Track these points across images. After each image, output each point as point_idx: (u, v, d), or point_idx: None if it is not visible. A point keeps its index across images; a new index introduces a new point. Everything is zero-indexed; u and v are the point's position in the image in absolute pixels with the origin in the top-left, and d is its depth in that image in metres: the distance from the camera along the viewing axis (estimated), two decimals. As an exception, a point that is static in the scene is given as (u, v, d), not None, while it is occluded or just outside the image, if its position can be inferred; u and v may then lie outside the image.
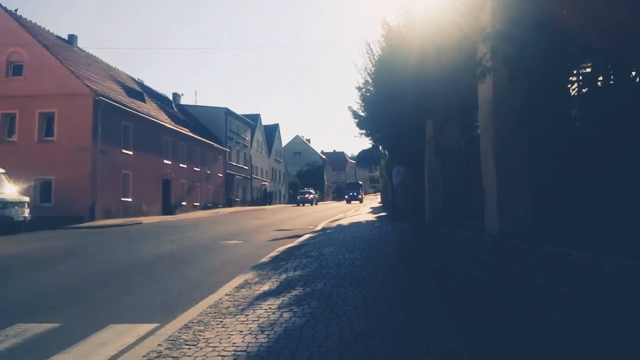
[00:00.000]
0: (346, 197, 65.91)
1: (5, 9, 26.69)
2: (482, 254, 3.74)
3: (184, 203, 36.66)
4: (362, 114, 20.35)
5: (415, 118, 9.02)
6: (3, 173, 18.73)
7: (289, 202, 70.76)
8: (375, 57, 12.30)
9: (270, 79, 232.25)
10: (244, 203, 54.03)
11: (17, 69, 26.29)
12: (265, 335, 4.42)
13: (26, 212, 18.46)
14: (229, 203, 48.06)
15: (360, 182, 77.23)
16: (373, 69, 12.94)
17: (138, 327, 5.15)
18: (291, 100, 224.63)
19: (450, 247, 5.45)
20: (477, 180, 4.88)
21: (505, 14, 3.20)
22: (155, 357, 3.98)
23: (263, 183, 65.47)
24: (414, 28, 8.04)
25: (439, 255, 6.79)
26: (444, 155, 7.62)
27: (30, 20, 28.72)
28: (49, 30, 30.50)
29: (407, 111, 9.11)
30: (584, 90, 3.36)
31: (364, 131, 21.11)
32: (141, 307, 6.23)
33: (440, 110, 7.34)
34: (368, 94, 17.87)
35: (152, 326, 5.13)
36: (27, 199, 18.82)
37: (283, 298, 5.88)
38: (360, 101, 19.30)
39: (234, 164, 51.93)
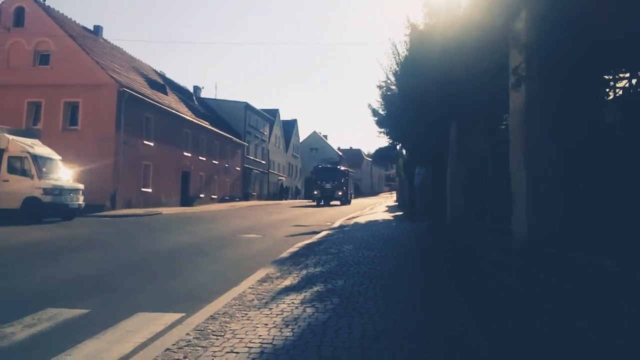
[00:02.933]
0: (315, 193, 40.84)
1: (34, -1, 27.19)
2: (508, 258, 3.79)
3: (202, 195, 37.02)
4: (382, 113, 20.39)
5: (438, 119, 9.05)
6: (59, 160, 19.11)
7: (305, 198, 70.94)
8: (400, 57, 12.32)
9: (290, 74, 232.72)
10: (260, 197, 54.34)
11: (44, 59, 26.79)
12: (290, 329, 4.53)
13: (81, 199, 18.83)
14: (246, 197, 48.38)
15: (345, 169, 46.18)
16: (397, 68, 12.96)
17: (165, 316, 5.30)
18: (309, 97, 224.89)
19: (473, 249, 5.50)
20: (503, 184, 4.93)
21: (541, 24, 3.25)
22: (185, 345, 4.11)
23: (280, 178, 65.71)
24: (437, 29, 8.07)
25: (459, 256, 6.84)
26: (467, 157, 7.65)
27: (58, 11, 29.22)
28: (75, 21, 30.98)
29: (431, 112, 9.13)
30: (618, 97, 3.40)
31: (383, 129, 21.17)
32: (166, 297, 6.39)
33: (465, 113, 7.36)
34: (389, 93, 17.91)
35: (178, 316, 5.27)
36: (81, 186, 19.17)
37: (305, 294, 5.98)
38: (380, 99, 19.35)
39: (251, 158, 52.23)
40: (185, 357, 3.83)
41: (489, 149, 6.61)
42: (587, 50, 3.22)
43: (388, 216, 22.37)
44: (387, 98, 18.08)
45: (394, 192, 60.10)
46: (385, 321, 4.82)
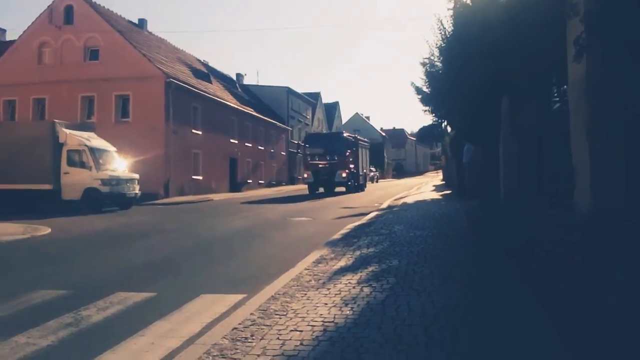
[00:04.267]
0: (306, 176, 28.33)
1: (82, -4, 28.11)
2: (572, 233, 3.73)
3: (249, 181, 37.71)
4: (426, 90, 20.05)
5: (488, 94, 8.84)
6: (115, 151, 19.99)
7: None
8: (446, 32, 12.04)
9: (331, 56, 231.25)
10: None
11: (94, 54, 27.77)
12: (350, 308, 4.62)
13: (137, 188, 19.63)
14: (292, 181, 48.88)
15: (351, 136, 31.20)
16: (443, 44, 12.69)
17: (228, 297, 5.52)
18: (350, 78, 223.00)
19: (532, 225, 5.41)
20: (561, 158, 4.81)
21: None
22: (250, 324, 4.29)
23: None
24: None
25: (517, 233, 6.74)
26: (520, 132, 7.47)
27: (104, 6, 30.11)
28: (120, 15, 31.86)
29: (480, 87, 8.93)
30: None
31: (427, 107, 20.83)
32: (227, 279, 6.64)
33: (517, 87, 7.17)
34: (433, 70, 17.57)
35: (240, 297, 5.48)
36: (137, 175, 19.97)
37: (360, 274, 6.06)
38: (424, 77, 19.01)
39: (296, 142, 52.62)
40: (252, 336, 3.99)
41: (544, 122, 6.43)
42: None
43: (436, 195, 22.13)
44: (432, 75, 17.76)
45: (440, 170, 57.72)
46: (444, 299, 4.85)
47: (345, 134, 29.48)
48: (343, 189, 28.07)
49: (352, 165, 28.27)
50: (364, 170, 33.28)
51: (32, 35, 27.97)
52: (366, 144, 35.28)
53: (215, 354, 3.65)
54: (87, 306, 5.31)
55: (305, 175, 28.25)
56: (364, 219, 12.56)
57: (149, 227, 13.17)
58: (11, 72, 27.50)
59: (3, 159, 17.50)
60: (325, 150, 27.31)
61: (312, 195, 26.47)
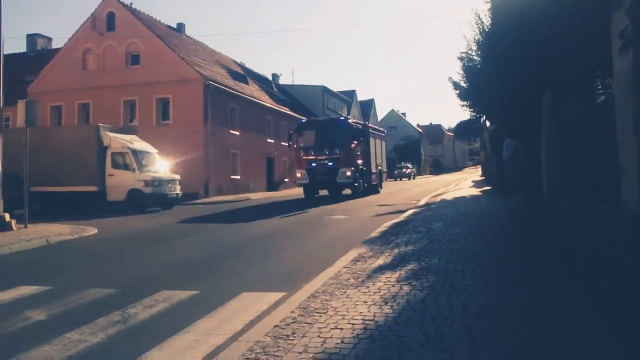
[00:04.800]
0: (299, 176, 22.16)
1: (122, 3, 29.00)
2: (619, 229, 3.62)
3: (286, 180, 37.99)
4: (464, 85, 19.71)
5: (529, 88, 8.62)
6: (156, 153, 20.62)
7: (387, 177, 70.46)
8: (484, 26, 11.81)
9: (364, 54, 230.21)
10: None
11: (135, 59, 28.60)
12: (390, 307, 4.62)
13: (178, 189, 20.19)
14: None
15: (356, 122, 24.54)
16: (481, 38, 12.45)
17: (268, 295, 5.61)
18: (385, 75, 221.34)
19: (577, 222, 5.26)
20: (607, 152, 4.66)
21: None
22: (291, 322, 4.35)
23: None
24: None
25: (561, 230, 6.56)
26: (564, 126, 7.25)
27: (144, 12, 30.94)
28: (159, 20, 32.66)
29: (520, 81, 8.72)
30: None
31: (465, 102, 20.46)
32: (266, 277, 6.74)
33: (560, 80, 6.97)
34: (471, 64, 17.26)
35: (280, 295, 5.56)
36: (178, 176, 20.54)
37: (400, 272, 6.04)
38: (462, 72, 18.71)
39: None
40: (293, 333, 4.05)
41: (587, 116, 6.23)
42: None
43: (475, 192, 21.73)
44: (469, 69, 17.45)
45: (479, 166, 56.20)
46: (486, 298, 4.78)
47: (350, 120, 23.20)
48: (349, 191, 22.00)
49: (360, 161, 22.04)
50: (379, 167, 25.85)
51: (76, 43, 29.03)
52: (381, 133, 28.04)
53: (258, 350, 3.72)
54: (134, 304, 5.50)
55: (299, 175, 21.73)
56: (401, 217, 12.47)
57: (191, 227, 13.49)
58: (58, 78, 28.65)
59: (51, 163, 18.24)
60: (323, 141, 21.20)
61: (310, 199, 21.43)
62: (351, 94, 62.67)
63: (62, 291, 6.24)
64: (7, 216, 12.50)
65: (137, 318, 5.04)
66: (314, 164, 21.12)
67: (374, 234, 9.61)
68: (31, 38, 36.76)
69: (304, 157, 21.41)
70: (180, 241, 10.76)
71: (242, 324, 4.62)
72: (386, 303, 4.74)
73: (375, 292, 5.15)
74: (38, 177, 16.26)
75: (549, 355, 3.47)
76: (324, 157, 20.91)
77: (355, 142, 21.51)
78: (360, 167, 21.84)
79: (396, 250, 7.53)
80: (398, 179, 54.20)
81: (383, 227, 10.56)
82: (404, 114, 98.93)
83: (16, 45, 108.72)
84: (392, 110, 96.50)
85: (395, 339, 3.78)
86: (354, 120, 23.92)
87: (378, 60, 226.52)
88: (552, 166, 7.66)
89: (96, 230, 12.49)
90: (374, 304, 4.74)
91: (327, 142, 21.06)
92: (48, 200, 18.37)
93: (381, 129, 29.90)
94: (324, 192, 23.36)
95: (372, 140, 24.52)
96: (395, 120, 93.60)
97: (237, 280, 6.58)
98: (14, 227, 12.38)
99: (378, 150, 26.04)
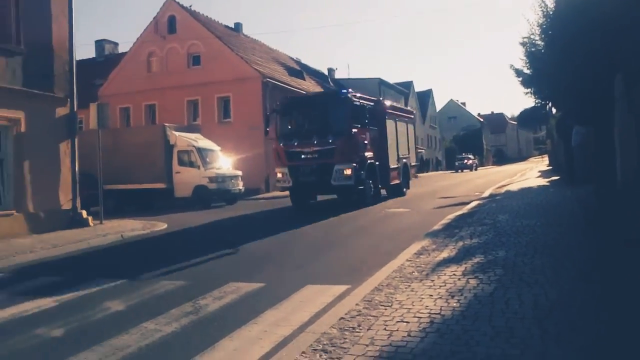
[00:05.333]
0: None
1: (182, 6, 30.00)
2: None
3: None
4: (527, 72, 18.91)
5: (598, 73, 8.17)
6: (219, 150, 21.36)
7: (447, 169, 69.02)
8: (548, 8, 11.27)
9: (420, 44, 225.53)
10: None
11: (196, 60, 29.56)
12: (456, 300, 4.55)
13: (240, 184, 20.83)
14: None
15: (370, 99, 17.03)
16: (545, 22, 11.89)
17: (332, 288, 5.67)
18: (443, 65, 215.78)
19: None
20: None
21: None
22: (357, 314, 4.38)
23: (419, 150, 64.56)
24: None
25: (636, 221, 6.19)
26: (637, 112, 6.82)
27: (203, 14, 31.85)
28: (217, 21, 33.52)
29: (588, 66, 8.27)
30: None
31: (529, 89, 19.62)
32: (329, 270, 6.82)
33: (632, 64, 6.55)
34: (534, 49, 16.52)
35: (344, 287, 5.61)
36: (240, 172, 21.19)
37: (465, 265, 5.92)
38: (524, 58, 17.94)
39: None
40: (359, 326, 4.08)
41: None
42: None
43: (542, 182, 20.86)
44: (533, 55, 16.69)
45: (545, 155, 53.48)
46: (558, 292, 4.60)
47: (350, 94, 15.51)
48: (355, 193, 15.04)
49: (368, 153, 15.48)
50: (403, 160, 18.93)
51: (140, 47, 30.36)
52: (406, 114, 20.77)
53: (325, 342, 3.78)
54: (204, 296, 5.73)
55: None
56: (465, 209, 12.20)
57: (253, 220, 13.81)
58: (125, 81, 30.12)
59: (122, 162, 19.22)
60: (311, 126, 15.24)
61: (299, 209, 16.02)
62: (408, 85, 61.74)
63: (137, 283, 6.60)
64: (84, 213, 13.33)
65: (207, 309, 5.24)
66: (298, 160, 14.88)
67: (437, 226, 9.47)
68: (99, 44, 38.80)
69: (285, 150, 15.08)
70: (244, 235, 11.02)
71: (308, 316, 4.70)
72: (452, 297, 4.67)
73: (440, 286, 5.08)
74: (111, 176, 17.17)
75: (626, 353, 3.30)
76: (311, 149, 14.62)
77: (358, 126, 14.90)
78: (368, 161, 15.36)
79: (461, 243, 7.38)
80: (459, 171, 52.89)
81: (446, 219, 10.37)
82: (463, 103, 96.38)
83: (86, 51, 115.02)
84: (451, 100, 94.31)
85: (464, 332, 3.73)
86: (357, 95, 15.96)
87: (434, 50, 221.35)
88: (627, 154, 7.22)
89: (166, 225, 13.05)
90: (440, 297, 4.68)
91: (316, 127, 14.95)
92: (121, 197, 19.39)
93: (408, 108, 22.32)
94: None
95: (390, 123, 17.86)
96: (454, 110, 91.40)
97: (301, 273, 6.69)
98: (91, 223, 13.18)
99: (401, 138, 19.11)
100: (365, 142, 15.37)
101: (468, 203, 13.68)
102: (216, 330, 4.53)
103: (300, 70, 37.15)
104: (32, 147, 12.04)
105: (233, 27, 35.40)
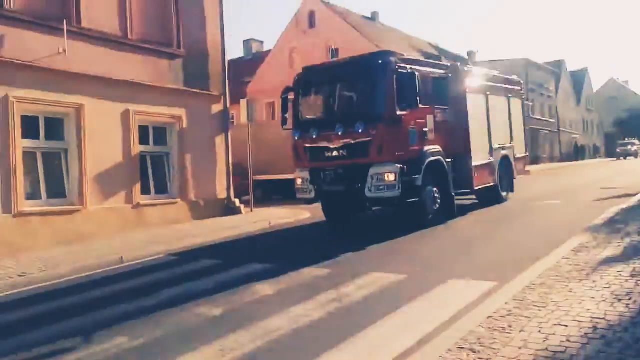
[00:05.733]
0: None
1: (321, 0, 30.88)
2: None
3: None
4: None
5: None
6: None
7: (606, 157, 62.03)
8: None
9: (573, 18, 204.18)
10: (551, 159, 49.94)
11: (334, 52, 30.23)
12: (624, 305, 4.06)
13: None
14: (535, 160, 45.15)
15: (428, 61, 12.78)
16: None
17: (477, 284, 5.44)
18: (599, 41, 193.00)
19: None
20: None
21: None
22: (507, 314, 4.13)
23: (573, 136, 59.02)
24: None
25: None
26: None
27: (341, 6, 32.46)
28: (354, 12, 33.90)
29: None
30: None
31: None
32: (473, 265, 6.54)
33: None
34: None
35: (490, 284, 5.34)
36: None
37: (634, 265, 5.25)
38: None
39: (537, 117, 48.31)
40: (509, 326, 3.84)
41: None
42: None
43: None
44: None
45: None
46: None
47: (394, 58, 9.77)
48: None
49: (429, 147, 10.12)
50: (502, 151, 13.04)
51: (283, 43, 31.96)
52: (507, 85, 14.16)
53: (472, 341, 3.63)
54: (347, 284, 5.89)
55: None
56: (631, 202, 10.82)
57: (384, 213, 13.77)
58: (270, 77, 31.92)
59: (269, 154, 20.44)
60: (335, 108, 10.44)
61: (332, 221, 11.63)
62: (559, 64, 56.64)
63: (284, 269, 6.97)
64: (237, 202, 14.48)
65: (350, 298, 5.37)
66: (321, 158, 10.14)
67: (598, 221, 8.51)
68: (247, 43, 41.65)
69: (303, 144, 10.45)
70: (382, 228, 11.06)
71: (452, 312, 4.56)
72: (619, 300, 4.18)
73: (604, 287, 4.58)
74: (259, 167, 18.37)
75: None
76: (336, 144, 9.80)
77: (411, 105, 9.40)
78: (430, 158, 10.00)
79: (627, 240, 6.57)
80: (622, 158, 47.20)
81: (608, 213, 9.28)
82: (626, 82, 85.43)
83: (235, 51, 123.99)
84: (611, 78, 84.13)
85: (635, 342, 3.32)
86: (412, 58, 11.42)
87: (589, 26, 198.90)
88: None
89: (309, 214, 13.59)
90: (604, 300, 4.22)
91: (343, 109, 10.33)
92: (268, 187, 20.65)
93: (513, 77, 15.05)
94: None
95: (475, 99, 12.02)
96: (615, 89, 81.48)
97: (443, 266, 6.53)
98: (243, 211, 14.27)
99: (499, 119, 13.08)
100: (425, 129, 10.01)
101: (635, 195, 12.10)
102: (360, 318, 4.63)
103: (438, 56, 35.91)
104: (192, 142, 13.37)
105: (370, 16, 35.52)
